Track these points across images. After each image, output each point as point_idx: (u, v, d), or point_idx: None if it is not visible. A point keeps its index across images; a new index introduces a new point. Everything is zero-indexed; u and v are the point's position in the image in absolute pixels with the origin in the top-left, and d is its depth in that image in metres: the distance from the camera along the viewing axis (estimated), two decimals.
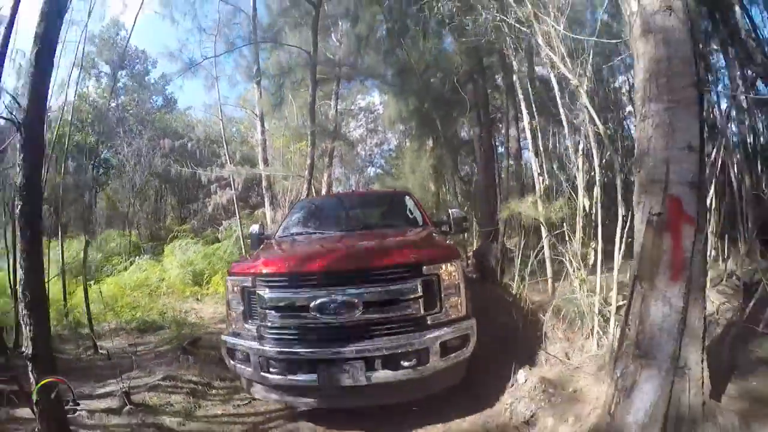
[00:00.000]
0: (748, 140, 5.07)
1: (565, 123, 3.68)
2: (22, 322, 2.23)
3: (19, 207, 2.20)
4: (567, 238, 3.29)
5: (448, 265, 3.20)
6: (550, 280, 4.17)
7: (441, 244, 3.76)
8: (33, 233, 2.24)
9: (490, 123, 7.24)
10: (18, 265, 2.28)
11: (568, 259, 3.20)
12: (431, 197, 9.98)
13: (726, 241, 4.68)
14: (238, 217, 10.73)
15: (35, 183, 2.30)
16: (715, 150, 4.08)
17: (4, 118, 2.31)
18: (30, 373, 2.26)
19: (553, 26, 3.06)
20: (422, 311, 3.07)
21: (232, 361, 3.33)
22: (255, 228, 4.91)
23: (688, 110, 1.79)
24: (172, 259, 8.95)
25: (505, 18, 3.71)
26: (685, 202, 1.78)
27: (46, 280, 2.56)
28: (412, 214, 4.89)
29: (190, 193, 15.74)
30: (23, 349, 2.26)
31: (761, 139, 5.35)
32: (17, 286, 2.42)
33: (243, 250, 8.56)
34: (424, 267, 3.12)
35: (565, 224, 3.28)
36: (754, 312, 3.20)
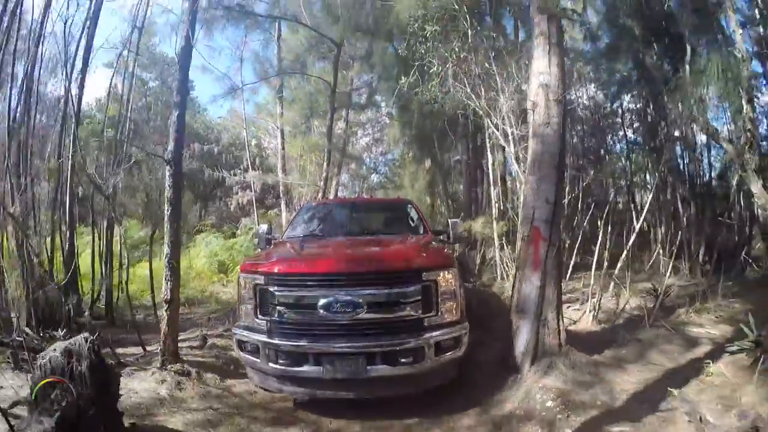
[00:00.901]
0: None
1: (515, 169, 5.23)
2: (164, 280, 3.74)
3: (169, 211, 3.72)
4: (507, 248, 4.82)
5: (446, 272, 3.39)
6: (499, 278, 5.70)
7: (440, 252, 3.96)
8: (176, 227, 3.76)
9: (475, 152, 8.76)
10: (167, 245, 3.78)
11: (505, 262, 4.72)
12: (426, 208, 11.47)
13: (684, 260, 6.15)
14: (256, 216, 12.23)
15: (178, 197, 3.82)
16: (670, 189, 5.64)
17: (157, 155, 3.81)
18: (164, 312, 3.76)
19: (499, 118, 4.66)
20: (420, 313, 3.25)
21: (242, 353, 3.51)
22: (263, 227, 5.08)
23: (549, 181, 3.27)
24: (199, 250, 10.42)
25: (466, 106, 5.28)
26: (542, 230, 3.26)
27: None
28: (413, 222, 5.11)
29: (208, 192, 17.11)
30: (162, 294, 3.77)
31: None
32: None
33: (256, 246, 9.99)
34: (424, 273, 3.30)
35: (504, 239, 4.81)
36: (652, 312, 4.53)
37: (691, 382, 3.12)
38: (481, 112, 5.20)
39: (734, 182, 5.44)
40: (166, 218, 3.71)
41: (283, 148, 11.55)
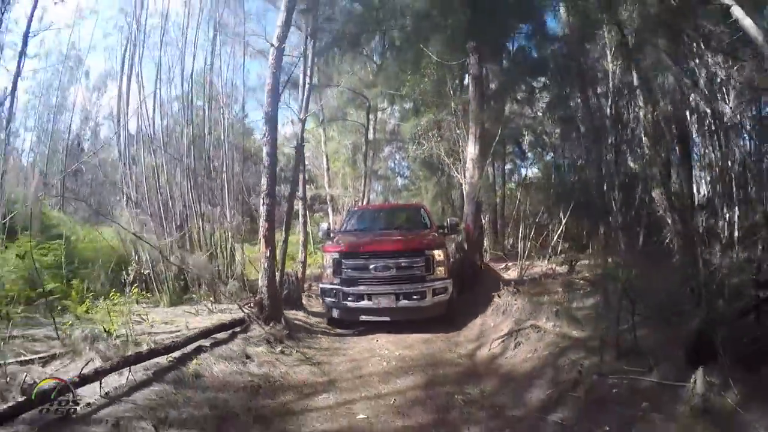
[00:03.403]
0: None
1: None
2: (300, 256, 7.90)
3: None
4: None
5: (439, 251, 5.79)
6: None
7: (437, 239, 6.26)
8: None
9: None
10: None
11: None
12: (436, 209, 15.44)
13: None
14: (307, 218, 16.38)
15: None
16: None
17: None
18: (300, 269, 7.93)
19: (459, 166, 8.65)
20: (424, 272, 5.57)
21: (325, 297, 5.86)
22: (324, 226, 7.61)
23: (471, 203, 7.29)
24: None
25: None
26: (470, 224, 7.28)
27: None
28: (424, 220, 7.41)
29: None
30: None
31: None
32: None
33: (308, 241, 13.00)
34: (426, 251, 5.67)
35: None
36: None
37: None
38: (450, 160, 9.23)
39: None
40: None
41: (328, 169, 15.70)
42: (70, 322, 4.09)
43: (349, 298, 5.68)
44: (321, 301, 6.34)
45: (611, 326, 3.52)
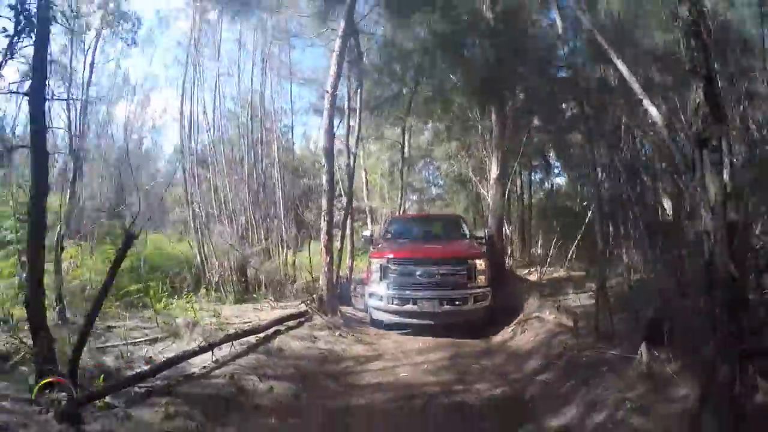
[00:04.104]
0: None
1: None
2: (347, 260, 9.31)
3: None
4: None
5: (479, 260, 6.09)
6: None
7: (477, 248, 6.57)
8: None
9: None
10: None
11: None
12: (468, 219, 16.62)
13: None
14: (349, 226, 17.94)
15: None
16: None
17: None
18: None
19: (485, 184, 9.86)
20: (465, 280, 5.90)
21: (370, 300, 6.27)
22: (367, 233, 8.16)
23: (495, 217, 8.46)
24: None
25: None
26: (494, 233, 8.42)
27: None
28: (462, 229, 7.67)
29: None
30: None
31: None
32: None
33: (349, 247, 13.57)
34: (468, 260, 6.01)
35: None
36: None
37: None
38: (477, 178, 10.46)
39: None
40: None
41: (367, 183, 17.19)
42: (151, 316, 5.04)
43: (394, 302, 6.03)
44: (364, 304, 6.88)
45: (594, 317, 4.67)
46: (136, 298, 5.58)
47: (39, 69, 2.96)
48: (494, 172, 8.64)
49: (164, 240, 10.70)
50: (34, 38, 2.94)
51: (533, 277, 9.04)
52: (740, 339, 2.50)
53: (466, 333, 5.95)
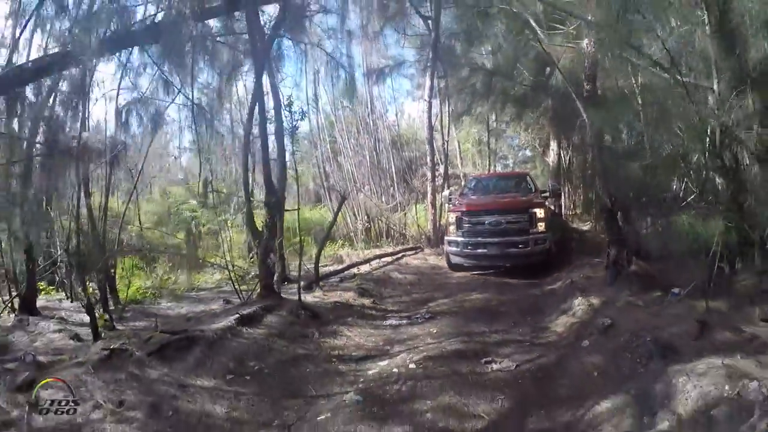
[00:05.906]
0: None
1: None
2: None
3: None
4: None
5: (539, 209, 6.94)
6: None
7: (538, 199, 7.35)
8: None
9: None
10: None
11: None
12: (544, 180, 18.92)
13: None
14: (442, 189, 21.34)
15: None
16: None
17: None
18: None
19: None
20: (527, 226, 6.76)
21: (449, 247, 7.36)
22: (446, 192, 9.39)
23: (554, 179, 11.28)
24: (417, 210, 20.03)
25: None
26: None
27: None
28: (529, 185, 8.36)
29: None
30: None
31: None
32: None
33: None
34: (529, 209, 6.89)
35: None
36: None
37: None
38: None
39: None
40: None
41: (460, 152, 20.32)
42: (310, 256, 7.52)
43: (468, 247, 7.09)
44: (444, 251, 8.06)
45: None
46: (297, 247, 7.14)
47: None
48: (554, 147, 11.37)
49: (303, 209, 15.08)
50: None
51: (586, 227, 11.69)
52: (621, 236, 5.57)
53: (527, 275, 6.85)
